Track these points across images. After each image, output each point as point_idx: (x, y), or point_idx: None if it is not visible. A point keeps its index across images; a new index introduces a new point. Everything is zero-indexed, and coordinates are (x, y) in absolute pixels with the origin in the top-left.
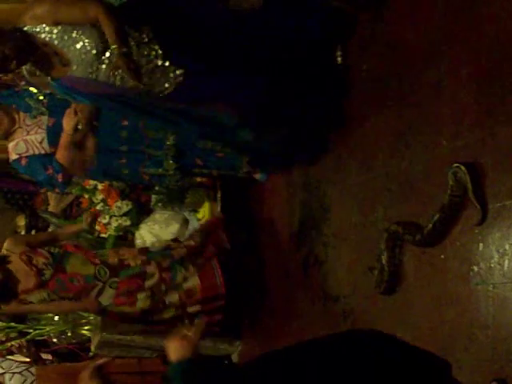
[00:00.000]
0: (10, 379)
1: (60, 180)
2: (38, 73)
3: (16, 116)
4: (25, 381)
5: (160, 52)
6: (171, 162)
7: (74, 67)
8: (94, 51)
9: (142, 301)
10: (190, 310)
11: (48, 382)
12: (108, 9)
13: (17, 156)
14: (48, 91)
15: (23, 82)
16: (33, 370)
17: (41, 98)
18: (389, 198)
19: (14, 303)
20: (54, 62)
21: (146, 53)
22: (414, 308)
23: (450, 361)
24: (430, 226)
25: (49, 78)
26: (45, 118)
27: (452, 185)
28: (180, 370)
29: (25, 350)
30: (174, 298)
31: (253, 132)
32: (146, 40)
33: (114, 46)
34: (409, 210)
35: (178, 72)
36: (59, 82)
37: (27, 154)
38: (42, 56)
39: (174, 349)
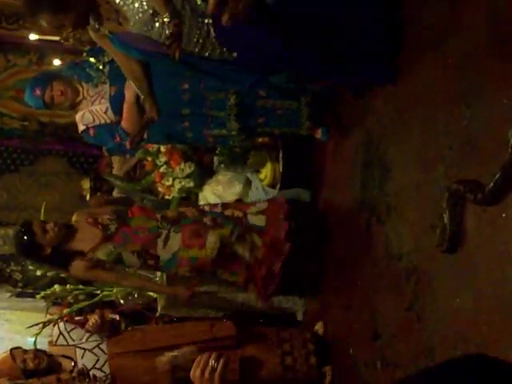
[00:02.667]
0: (82, 357)
1: (128, 147)
2: (96, 25)
3: (79, 87)
4: (97, 361)
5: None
6: (234, 122)
7: (132, 25)
8: (151, 11)
9: (211, 239)
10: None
11: (122, 360)
12: None
13: (84, 127)
14: (103, 56)
15: (84, 53)
16: (104, 347)
17: (100, 67)
18: (450, 157)
19: (84, 265)
20: (113, 18)
21: (200, 20)
22: (475, 266)
23: None
24: (491, 184)
25: (107, 31)
26: (107, 87)
27: None
28: None
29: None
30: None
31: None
32: (201, 8)
33: (165, 16)
34: (470, 168)
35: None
36: (116, 36)
37: (94, 124)
38: (103, 11)
39: None
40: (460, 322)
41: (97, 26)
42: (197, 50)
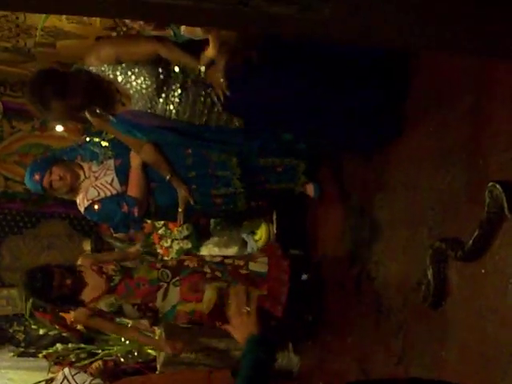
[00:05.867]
0: None
1: (136, 214)
2: (98, 111)
3: (80, 171)
4: None
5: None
6: (237, 181)
7: (136, 102)
8: (154, 85)
9: (208, 294)
10: None
11: None
12: (167, 41)
13: (88, 202)
14: (106, 134)
15: (85, 136)
16: None
17: (104, 144)
18: (433, 217)
19: (85, 313)
20: (116, 100)
21: (203, 91)
22: (459, 320)
23: (497, 372)
24: (470, 241)
25: (110, 116)
26: (111, 161)
27: (489, 202)
28: (250, 348)
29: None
30: None
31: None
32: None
33: (199, 66)
34: (451, 227)
35: (236, 123)
36: (119, 118)
37: (99, 198)
38: (107, 94)
39: (239, 329)
40: (445, 375)
41: (98, 111)
42: (204, 120)
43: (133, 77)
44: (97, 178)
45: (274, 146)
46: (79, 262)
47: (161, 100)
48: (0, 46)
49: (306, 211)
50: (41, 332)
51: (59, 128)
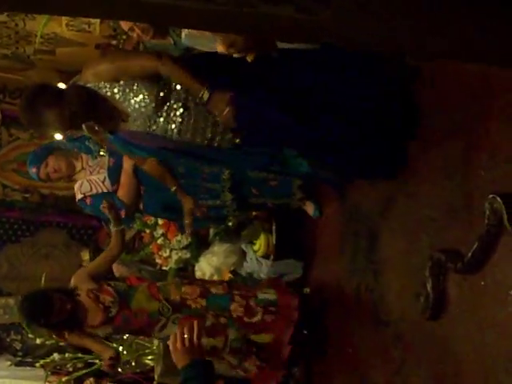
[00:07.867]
0: None
1: (123, 216)
2: (96, 127)
3: (75, 162)
4: None
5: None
6: (228, 193)
7: (133, 120)
8: (153, 104)
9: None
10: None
11: None
12: (169, 59)
13: (82, 195)
14: (103, 147)
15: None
16: None
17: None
18: (432, 227)
19: (80, 335)
20: (113, 117)
21: (204, 110)
22: (457, 332)
23: (493, 383)
24: (470, 254)
25: (107, 132)
26: (105, 159)
27: (489, 214)
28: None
29: None
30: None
31: (310, 165)
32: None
33: (200, 93)
34: (451, 238)
35: (236, 141)
36: (117, 136)
37: (91, 193)
38: (103, 111)
39: (178, 357)
40: None
41: (96, 128)
42: (207, 138)
43: (131, 94)
44: (91, 173)
45: (268, 163)
46: (73, 283)
47: (161, 119)
48: None
49: (305, 222)
50: (38, 341)
51: (58, 136)
